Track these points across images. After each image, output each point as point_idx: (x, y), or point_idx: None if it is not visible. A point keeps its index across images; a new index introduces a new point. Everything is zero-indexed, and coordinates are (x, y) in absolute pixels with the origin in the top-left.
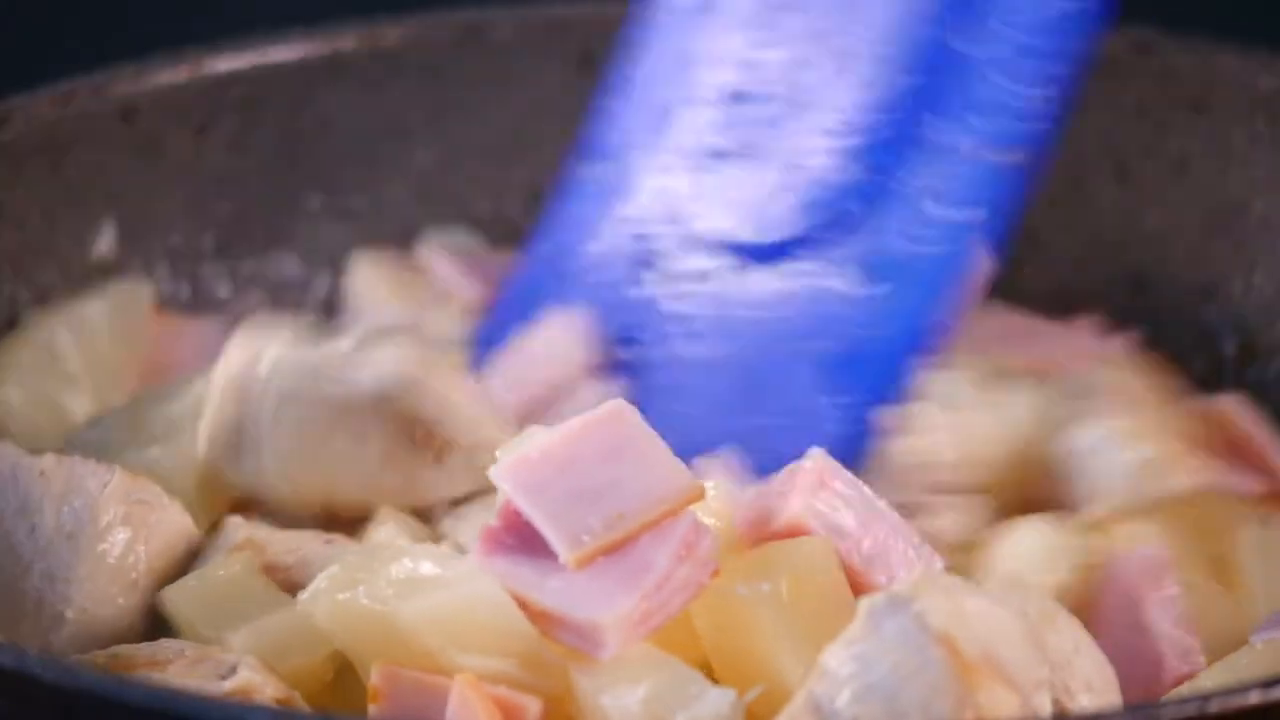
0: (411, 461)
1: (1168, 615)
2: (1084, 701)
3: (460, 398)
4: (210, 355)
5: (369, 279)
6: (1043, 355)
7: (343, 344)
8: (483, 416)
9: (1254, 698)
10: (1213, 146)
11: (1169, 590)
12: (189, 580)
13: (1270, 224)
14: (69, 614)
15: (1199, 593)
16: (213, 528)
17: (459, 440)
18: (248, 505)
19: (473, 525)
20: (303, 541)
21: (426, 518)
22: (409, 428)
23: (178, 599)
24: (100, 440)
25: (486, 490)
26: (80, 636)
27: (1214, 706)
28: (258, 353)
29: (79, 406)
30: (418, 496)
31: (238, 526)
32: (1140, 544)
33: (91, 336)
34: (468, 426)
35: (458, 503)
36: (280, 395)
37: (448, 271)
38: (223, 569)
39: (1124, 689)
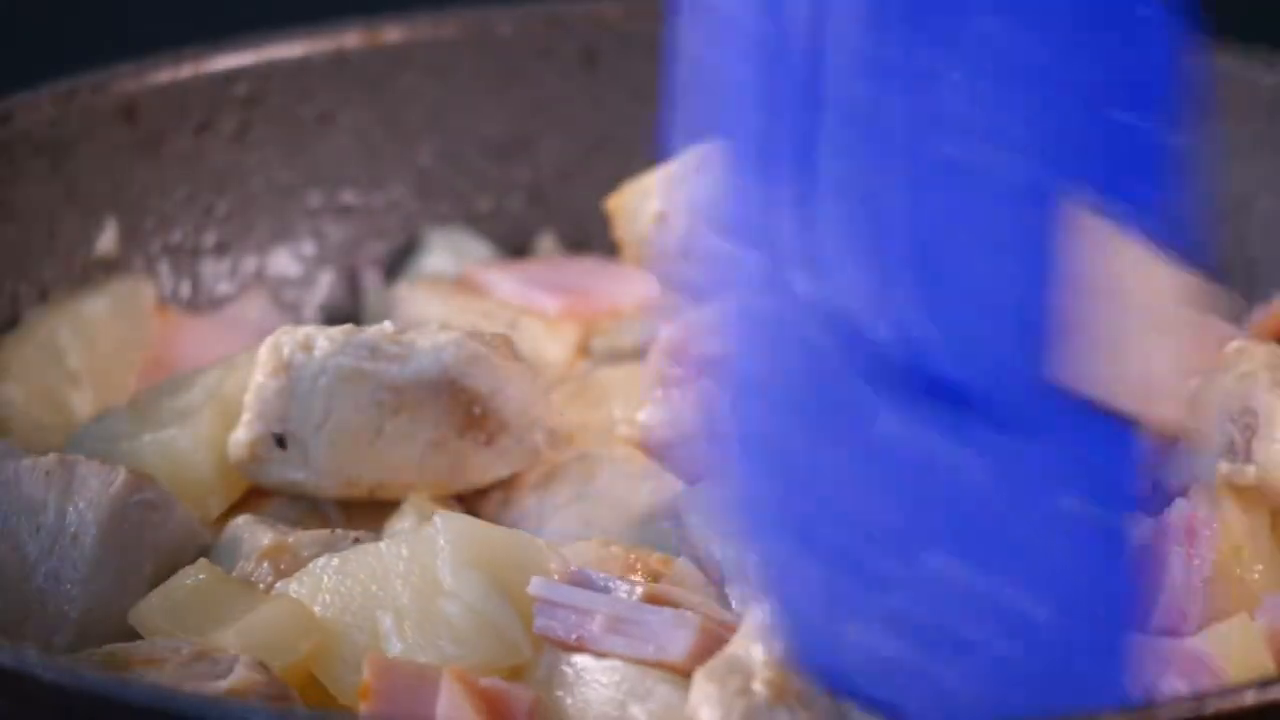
0: (462, 444)
1: (1179, 571)
2: None
3: (517, 376)
4: (212, 353)
5: (423, 301)
6: None
7: (389, 327)
8: (535, 395)
9: (1249, 698)
10: (1214, 145)
11: (1195, 551)
12: (155, 596)
13: (1272, 223)
14: (73, 614)
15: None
16: (219, 521)
17: (512, 420)
18: (258, 492)
19: (527, 508)
20: (331, 541)
21: (469, 502)
22: (466, 407)
23: (146, 614)
24: (107, 432)
25: (532, 470)
26: (85, 637)
27: (1210, 707)
28: (307, 336)
29: (81, 404)
30: (466, 480)
31: (251, 526)
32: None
33: (93, 334)
34: (521, 405)
35: (504, 485)
36: (339, 374)
37: (513, 288)
38: (189, 578)
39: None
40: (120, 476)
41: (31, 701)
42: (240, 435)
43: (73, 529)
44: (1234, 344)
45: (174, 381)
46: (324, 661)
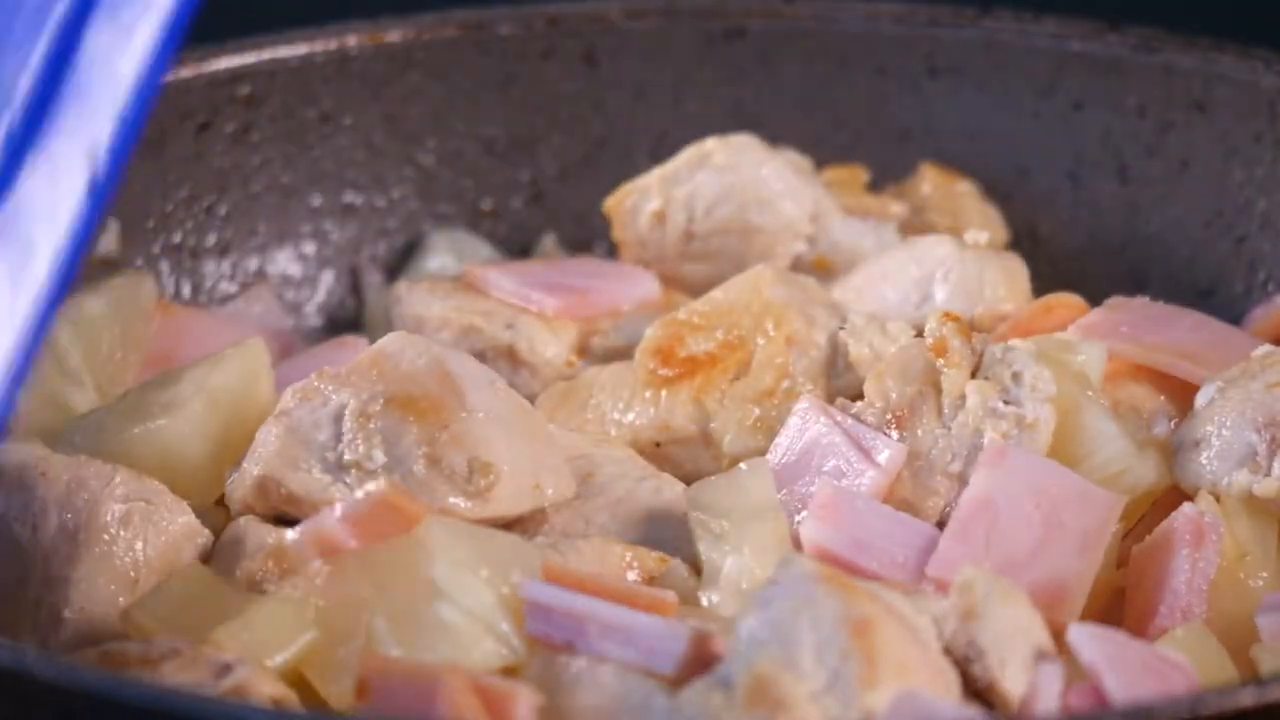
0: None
1: (1184, 572)
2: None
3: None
4: (216, 349)
5: (422, 300)
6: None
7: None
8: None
9: (1249, 698)
10: (1214, 146)
11: (1201, 554)
12: (147, 598)
13: (1272, 223)
14: (67, 614)
15: (1231, 574)
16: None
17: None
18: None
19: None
20: None
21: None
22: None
23: (139, 616)
24: (96, 427)
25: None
26: (79, 636)
27: (1210, 707)
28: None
29: (83, 404)
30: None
31: (255, 526)
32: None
33: (93, 334)
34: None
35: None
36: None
37: (511, 287)
38: (181, 580)
39: (1114, 624)
40: (119, 476)
41: (30, 701)
42: (255, 467)
43: (69, 528)
44: (1261, 350)
45: (162, 377)
46: (317, 664)
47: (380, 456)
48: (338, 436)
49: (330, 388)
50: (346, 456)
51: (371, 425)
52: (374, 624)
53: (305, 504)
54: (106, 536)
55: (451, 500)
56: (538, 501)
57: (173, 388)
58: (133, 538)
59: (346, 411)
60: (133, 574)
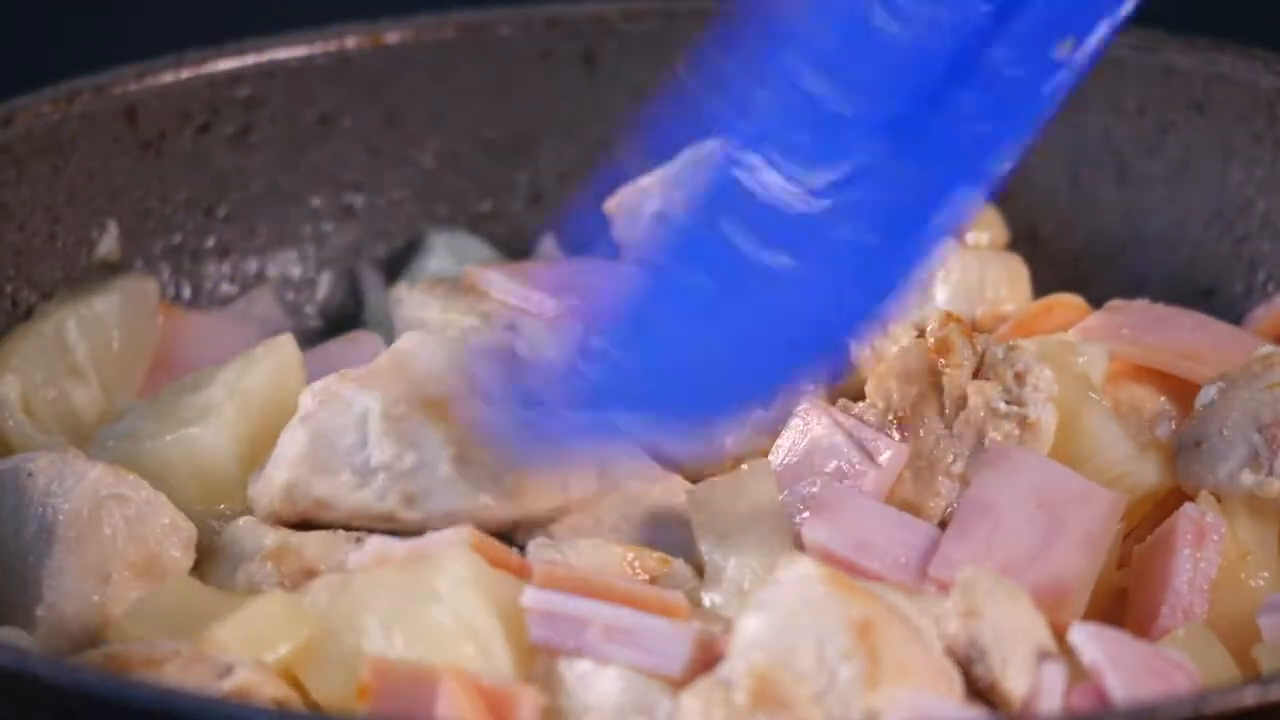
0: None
1: (1185, 571)
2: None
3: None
4: (218, 350)
5: (422, 302)
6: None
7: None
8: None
9: (1249, 697)
10: (1214, 146)
11: (1203, 554)
12: (141, 603)
13: (1272, 224)
14: (39, 611)
15: (1233, 574)
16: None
17: None
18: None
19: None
20: (333, 542)
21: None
22: None
23: (129, 623)
24: (129, 432)
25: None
26: (52, 634)
27: (1210, 707)
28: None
29: (86, 401)
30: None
31: (253, 528)
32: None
33: (102, 330)
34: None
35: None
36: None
37: (512, 288)
38: (172, 586)
39: (1116, 624)
40: (94, 471)
41: (31, 703)
42: (280, 471)
43: (46, 526)
44: (1262, 350)
45: (193, 378)
46: (308, 664)
47: (408, 459)
48: (364, 440)
49: (352, 390)
50: (374, 460)
51: (397, 427)
52: (368, 624)
53: (334, 509)
54: (74, 533)
55: (481, 499)
56: (563, 498)
57: (205, 391)
58: (107, 533)
59: (371, 415)
60: (106, 570)
